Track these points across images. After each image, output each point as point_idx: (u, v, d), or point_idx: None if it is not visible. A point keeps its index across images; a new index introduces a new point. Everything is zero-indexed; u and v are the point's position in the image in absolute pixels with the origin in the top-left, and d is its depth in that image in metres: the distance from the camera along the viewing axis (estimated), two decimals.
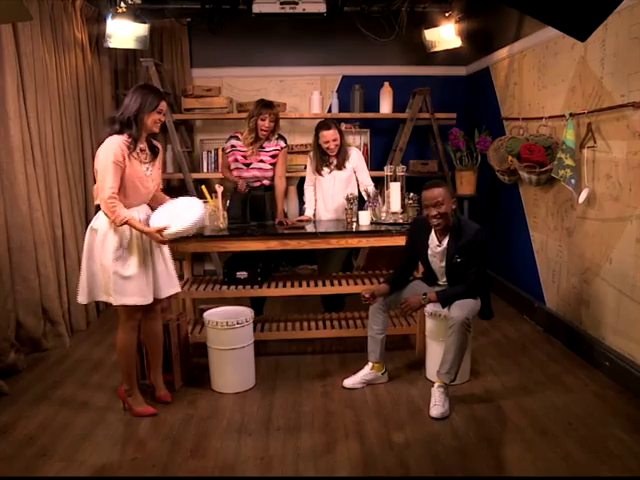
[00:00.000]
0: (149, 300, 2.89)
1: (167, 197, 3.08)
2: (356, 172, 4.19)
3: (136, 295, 2.84)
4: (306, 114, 5.47)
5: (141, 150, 2.85)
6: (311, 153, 4.23)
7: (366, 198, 4.00)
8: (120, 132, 2.78)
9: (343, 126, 5.59)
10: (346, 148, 4.16)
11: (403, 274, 3.38)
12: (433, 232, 3.20)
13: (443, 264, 3.20)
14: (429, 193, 3.05)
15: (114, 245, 2.80)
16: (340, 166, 4.11)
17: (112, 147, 2.73)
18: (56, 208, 4.12)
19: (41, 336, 3.88)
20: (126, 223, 2.74)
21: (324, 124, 4.07)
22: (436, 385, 3.01)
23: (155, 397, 3.16)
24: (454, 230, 3.11)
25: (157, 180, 2.99)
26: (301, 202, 4.68)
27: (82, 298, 2.90)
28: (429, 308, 3.27)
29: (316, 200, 4.25)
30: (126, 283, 2.81)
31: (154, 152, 2.95)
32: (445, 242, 3.15)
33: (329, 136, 3.99)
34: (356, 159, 4.18)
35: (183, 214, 2.86)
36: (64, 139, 4.28)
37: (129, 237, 2.83)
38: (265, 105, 3.94)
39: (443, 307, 3.15)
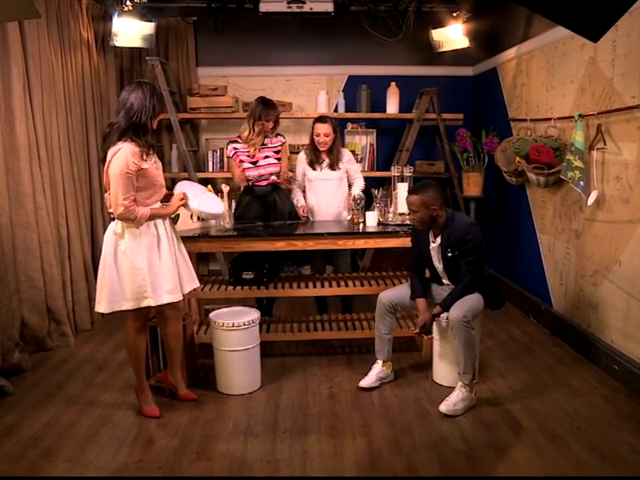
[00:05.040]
0: (180, 297, 2.91)
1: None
2: (348, 172, 4.20)
3: (172, 293, 2.85)
4: (312, 114, 5.42)
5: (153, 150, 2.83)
6: (306, 147, 4.23)
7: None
8: (133, 137, 2.69)
9: (349, 126, 5.60)
10: (339, 149, 4.16)
11: (420, 274, 3.35)
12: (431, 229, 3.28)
13: (440, 260, 3.23)
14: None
15: (147, 245, 2.78)
16: (333, 166, 4.10)
17: (122, 158, 2.63)
18: (61, 208, 4.10)
19: (46, 335, 3.88)
20: (151, 217, 2.77)
21: (321, 117, 4.10)
22: (458, 385, 3.05)
23: (179, 398, 3.16)
24: (445, 227, 3.18)
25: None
26: None
27: (102, 307, 2.78)
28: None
29: (306, 199, 4.26)
30: (163, 282, 2.81)
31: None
32: (439, 238, 3.21)
33: (321, 129, 4.00)
34: (348, 159, 4.20)
35: (210, 200, 3.04)
36: (70, 138, 4.26)
37: (158, 235, 2.83)
38: (271, 107, 3.94)
39: (447, 311, 3.15)
